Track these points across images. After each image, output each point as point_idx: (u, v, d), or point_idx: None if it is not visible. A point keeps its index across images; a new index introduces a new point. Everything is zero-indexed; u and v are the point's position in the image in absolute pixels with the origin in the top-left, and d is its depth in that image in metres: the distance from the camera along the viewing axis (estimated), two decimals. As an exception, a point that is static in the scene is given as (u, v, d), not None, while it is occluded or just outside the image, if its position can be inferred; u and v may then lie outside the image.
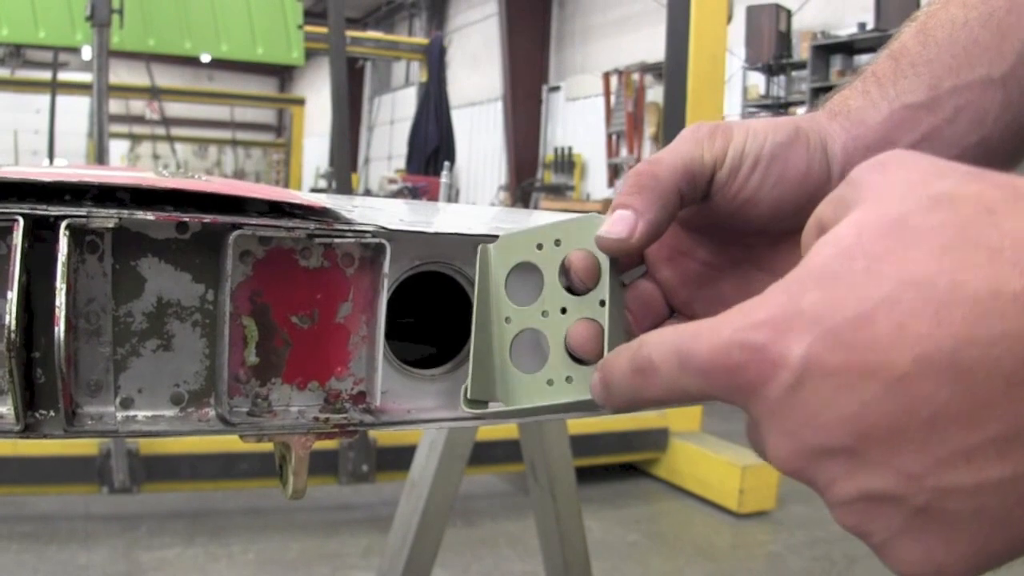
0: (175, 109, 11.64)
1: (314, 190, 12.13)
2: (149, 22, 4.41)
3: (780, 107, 8.32)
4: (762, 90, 8.71)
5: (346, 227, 0.52)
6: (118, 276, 0.49)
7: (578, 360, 0.49)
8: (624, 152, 10.20)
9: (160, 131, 9.71)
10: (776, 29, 8.18)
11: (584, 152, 11.85)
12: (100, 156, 3.62)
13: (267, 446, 0.54)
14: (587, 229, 0.49)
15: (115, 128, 10.50)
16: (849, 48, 7.58)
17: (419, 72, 11.00)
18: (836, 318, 0.31)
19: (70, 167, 0.76)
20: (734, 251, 0.51)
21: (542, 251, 0.51)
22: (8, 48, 8.06)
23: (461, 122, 12.42)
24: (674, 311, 0.53)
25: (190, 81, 15.38)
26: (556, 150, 12.36)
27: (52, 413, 0.48)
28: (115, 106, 7.95)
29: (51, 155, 6.97)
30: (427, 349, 0.61)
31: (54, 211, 0.46)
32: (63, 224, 0.45)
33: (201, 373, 0.52)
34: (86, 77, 6.35)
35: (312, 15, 6.09)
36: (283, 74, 22.69)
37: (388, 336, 0.54)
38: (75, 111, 9.49)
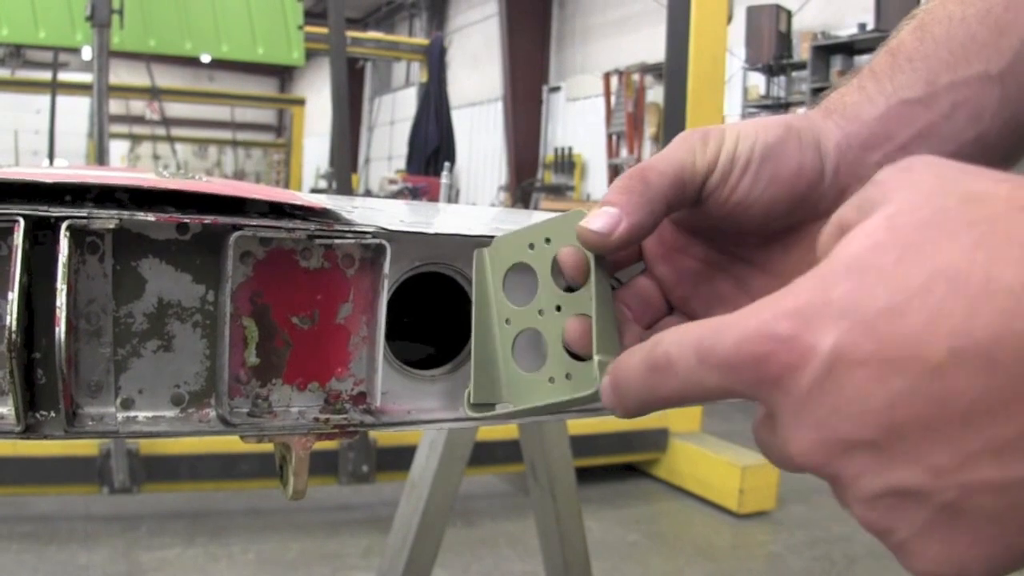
0: (175, 109, 11.65)
1: (314, 190, 12.14)
2: (149, 22, 4.41)
3: (780, 107, 8.31)
4: (762, 91, 8.71)
5: (346, 228, 0.52)
6: (119, 277, 0.49)
7: (576, 356, 0.49)
8: (624, 152, 10.20)
9: (160, 131, 9.71)
10: (776, 29, 8.18)
11: (584, 152, 11.85)
12: (100, 156, 3.62)
13: (267, 447, 0.54)
14: (573, 225, 0.49)
15: (115, 128, 10.52)
16: (849, 49, 7.58)
17: (419, 72, 11.01)
18: (867, 308, 0.30)
19: (70, 167, 0.76)
20: (730, 249, 0.51)
21: (534, 250, 0.52)
22: (8, 48, 8.06)
23: (461, 122, 12.42)
24: (673, 308, 0.53)
25: (190, 81, 15.38)
26: (556, 150, 12.36)
27: (53, 414, 0.48)
28: (115, 106, 7.97)
29: (51, 155, 6.97)
30: (427, 349, 0.61)
31: (55, 212, 0.46)
32: (64, 225, 0.45)
33: (201, 374, 0.52)
34: (86, 77, 6.35)
35: (312, 15, 6.09)
36: (283, 74, 22.69)
37: (388, 337, 0.55)
38: (75, 111, 9.49)
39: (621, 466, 3.79)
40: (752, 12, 8.25)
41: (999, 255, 0.29)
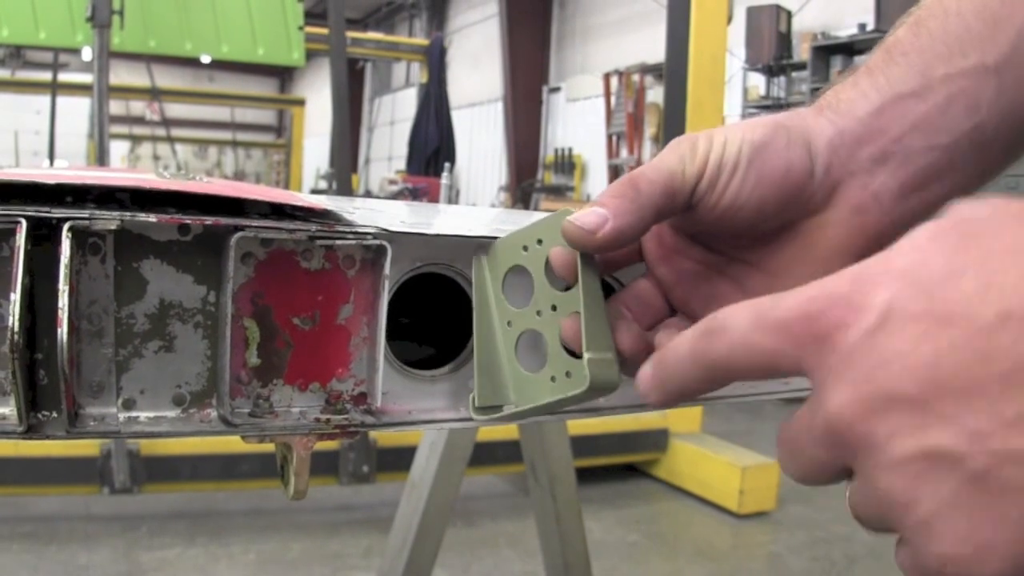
0: (175, 110, 11.65)
1: (314, 191, 12.14)
2: (149, 23, 4.41)
3: (780, 108, 8.27)
4: (762, 91, 8.70)
5: (347, 229, 0.52)
6: (120, 278, 0.50)
7: (576, 355, 0.50)
8: (624, 153, 10.19)
9: (160, 132, 9.71)
10: (776, 30, 8.18)
11: (584, 153, 11.85)
12: (101, 157, 3.62)
13: (268, 447, 0.54)
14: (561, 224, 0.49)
15: (115, 129, 10.51)
16: (849, 49, 7.57)
17: (419, 73, 11.01)
18: (923, 272, 0.32)
19: (71, 168, 0.76)
20: (726, 250, 0.52)
21: (528, 252, 0.52)
22: (8, 49, 8.08)
23: (461, 123, 12.42)
24: (675, 310, 0.53)
25: (190, 82, 15.40)
26: (556, 151, 12.36)
27: (55, 414, 0.48)
28: (115, 107, 7.97)
29: (51, 156, 6.98)
30: (428, 350, 0.61)
31: (57, 213, 0.46)
32: (66, 226, 0.45)
33: (203, 374, 0.52)
34: (86, 78, 6.35)
35: (312, 16, 6.09)
36: (283, 75, 22.70)
37: (389, 337, 0.55)
38: (75, 112, 9.49)
39: (621, 466, 3.79)
40: (752, 12, 8.25)
41: None
